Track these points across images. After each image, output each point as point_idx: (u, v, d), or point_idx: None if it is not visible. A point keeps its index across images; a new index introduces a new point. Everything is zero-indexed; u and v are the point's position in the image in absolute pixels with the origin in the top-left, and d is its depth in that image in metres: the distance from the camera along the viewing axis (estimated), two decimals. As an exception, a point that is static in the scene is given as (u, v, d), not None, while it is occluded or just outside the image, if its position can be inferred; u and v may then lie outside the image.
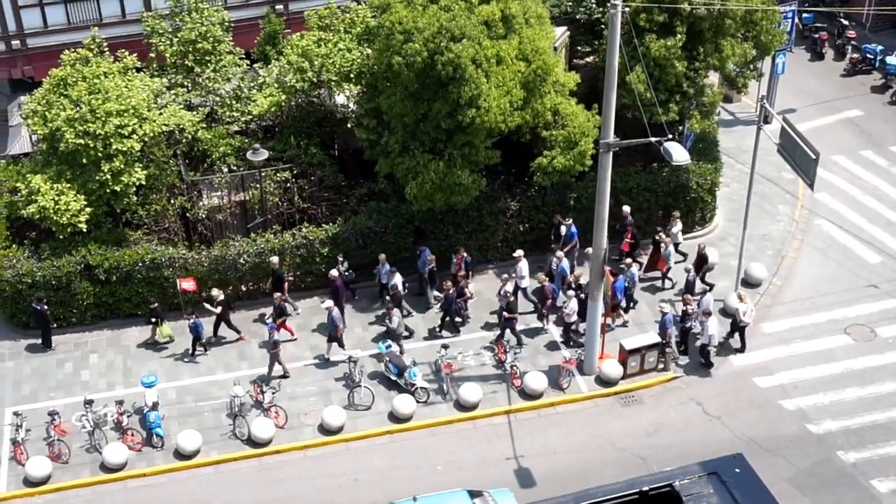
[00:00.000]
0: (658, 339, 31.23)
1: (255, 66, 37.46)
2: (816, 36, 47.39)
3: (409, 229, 33.96)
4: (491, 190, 33.95)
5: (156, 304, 31.96)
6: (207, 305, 31.82)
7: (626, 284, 32.64)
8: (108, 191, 31.86)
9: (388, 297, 32.12)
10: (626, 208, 34.10)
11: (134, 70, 34.46)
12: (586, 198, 34.04)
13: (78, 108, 31.70)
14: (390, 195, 33.94)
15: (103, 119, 31.50)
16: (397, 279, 32.36)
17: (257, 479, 28.53)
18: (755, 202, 34.25)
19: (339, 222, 33.51)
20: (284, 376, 30.85)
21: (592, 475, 28.07)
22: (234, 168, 34.50)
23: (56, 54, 34.71)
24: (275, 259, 32.49)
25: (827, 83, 45.71)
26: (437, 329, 32.55)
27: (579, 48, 37.40)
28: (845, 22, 48.04)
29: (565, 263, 32.96)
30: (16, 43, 38.91)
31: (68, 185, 31.58)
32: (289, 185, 34.36)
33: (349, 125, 34.34)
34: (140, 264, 32.11)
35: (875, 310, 33.48)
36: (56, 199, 31.27)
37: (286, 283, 32.60)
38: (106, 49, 34.81)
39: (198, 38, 35.05)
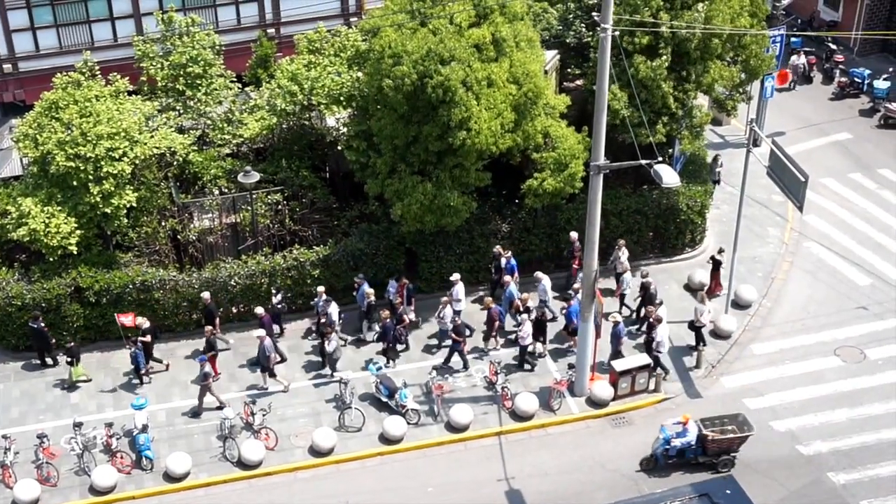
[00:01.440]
0: (648, 361, 31.29)
1: (247, 89, 37.57)
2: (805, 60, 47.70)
3: (401, 251, 34.01)
4: (482, 212, 34.04)
5: (72, 344, 31.44)
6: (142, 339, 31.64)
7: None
8: (98, 213, 31.87)
9: (319, 325, 32.12)
10: (574, 234, 34.04)
11: (125, 93, 34.56)
12: (577, 220, 34.14)
13: (69, 131, 31.75)
14: (381, 217, 34.00)
15: (94, 142, 31.55)
16: (333, 308, 32.22)
17: (247, 501, 28.40)
18: (745, 224, 34.40)
19: (330, 244, 33.56)
20: (214, 407, 30.58)
21: (584, 497, 28.07)
22: (226, 190, 34.55)
23: (47, 78, 34.81)
24: (206, 295, 32.22)
25: (815, 107, 46.00)
26: (386, 360, 32.20)
27: (569, 71, 37.61)
28: (833, 46, 48.41)
29: (513, 287, 33.01)
30: (7, 67, 39.10)
31: (59, 207, 31.58)
32: (280, 207, 34.41)
33: (340, 148, 34.44)
34: (130, 286, 32.07)
35: (864, 332, 33.54)
36: (46, 221, 31.25)
37: (217, 318, 32.41)
38: (98, 72, 34.90)
39: (189, 61, 35.16)
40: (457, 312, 32.69)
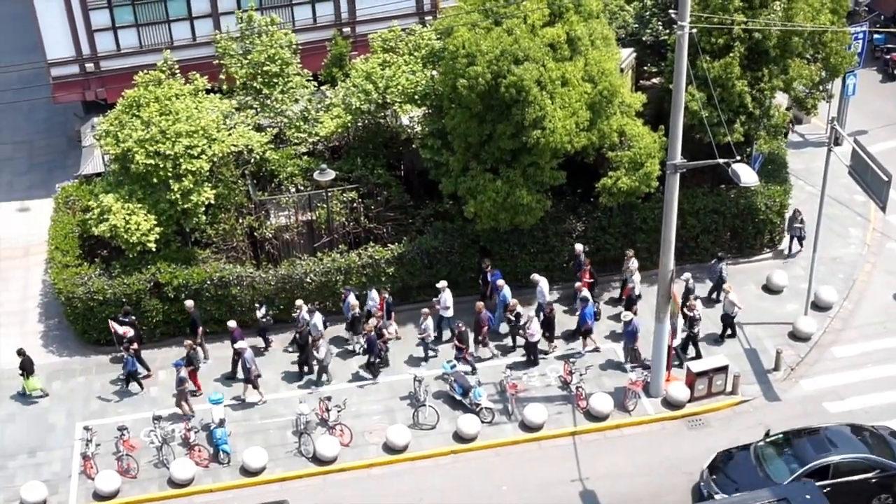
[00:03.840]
0: (726, 362, 30.91)
1: (323, 87, 37.83)
2: (888, 57, 46.73)
3: (475, 249, 33.99)
4: (556, 210, 33.88)
5: (24, 356, 31.41)
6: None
7: (597, 309, 32.94)
8: (177, 210, 32.33)
9: (296, 335, 32.00)
10: (579, 246, 33.63)
11: (204, 92, 35.01)
12: (653, 219, 33.84)
13: (149, 129, 32.24)
14: (456, 215, 34.00)
15: (173, 140, 32.01)
16: (317, 318, 31.98)
17: (321, 496, 28.60)
18: (825, 225, 33.71)
19: (405, 242, 33.64)
20: (187, 417, 30.61)
21: (659, 499, 27.82)
22: (302, 188, 34.84)
23: (128, 77, 35.36)
24: (189, 303, 32.16)
25: (899, 105, 45.05)
26: (371, 375, 32.03)
27: (645, 69, 37.28)
28: (918, 43, 47.36)
29: (507, 290, 32.82)
30: (89, 66, 39.75)
31: (139, 204, 32.10)
32: (355, 205, 34.61)
33: (414, 146, 34.52)
34: (208, 282, 32.48)
35: (949, 335, 32.81)
36: (127, 218, 31.78)
37: (200, 329, 32.20)
38: (177, 71, 35.39)
39: (266, 60, 35.53)
40: (445, 320, 32.72)
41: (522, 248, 33.98)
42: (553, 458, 29.34)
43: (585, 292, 32.38)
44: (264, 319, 32.64)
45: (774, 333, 32.90)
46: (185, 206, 32.23)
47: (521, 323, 32.02)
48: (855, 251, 36.46)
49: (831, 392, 31.03)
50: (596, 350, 32.55)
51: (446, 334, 32.93)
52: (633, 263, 33.39)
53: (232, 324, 31.80)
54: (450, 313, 32.80)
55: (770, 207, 35.31)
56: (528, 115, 30.63)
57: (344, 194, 34.51)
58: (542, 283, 32.93)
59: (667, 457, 29.20)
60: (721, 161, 27.62)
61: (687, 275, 33.24)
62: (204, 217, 33.09)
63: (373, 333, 31.30)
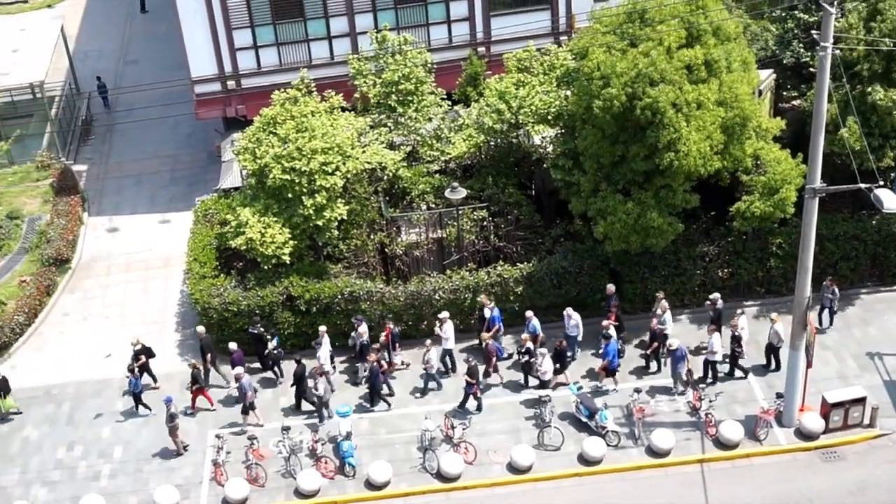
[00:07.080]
0: (864, 393, 29.88)
1: (457, 107, 38.09)
2: None
3: (605, 271, 33.68)
4: (689, 233, 33.35)
5: (1, 376, 32.15)
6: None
7: (620, 347, 32.10)
8: (311, 225, 32.93)
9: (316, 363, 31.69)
10: (611, 287, 32.66)
11: (339, 109, 35.64)
12: (789, 244, 33.02)
13: (286, 146, 32.97)
14: (586, 236, 33.78)
15: (309, 156, 32.65)
16: (324, 351, 31.78)
17: (445, 514, 28.72)
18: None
19: (534, 262, 33.56)
20: (178, 454, 30.72)
21: (789, 532, 27.04)
22: (433, 206, 35.12)
23: (267, 94, 36.26)
24: (200, 329, 32.47)
25: None
26: (372, 404, 31.84)
27: (785, 92, 36.46)
28: None
29: (535, 322, 32.11)
30: (231, 83, 40.90)
31: (274, 218, 32.81)
32: (485, 223, 34.71)
33: (545, 166, 34.47)
34: (339, 297, 32.95)
35: None
36: (263, 231, 32.53)
37: (210, 354, 32.30)
38: (314, 89, 36.13)
39: (401, 79, 36.00)
40: (447, 352, 32.27)
41: (653, 270, 33.53)
42: (679, 485, 28.81)
43: (611, 329, 31.60)
44: (276, 351, 32.77)
45: (916, 366, 31.75)
46: (319, 221, 32.80)
47: (532, 360, 31.41)
48: None
49: (977, 429, 29.75)
50: (614, 391, 31.67)
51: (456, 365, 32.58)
52: (664, 304, 32.49)
53: (233, 345, 32.11)
54: (451, 345, 32.43)
55: (915, 235, 34.08)
56: (662, 138, 30.28)
57: (474, 213, 34.67)
58: (576, 317, 32.30)
59: (797, 489, 28.36)
60: (863, 186, 26.82)
61: (715, 295, 32.38)
62: (336, 232, 33.66)
63: (375, 364, 31.21)
